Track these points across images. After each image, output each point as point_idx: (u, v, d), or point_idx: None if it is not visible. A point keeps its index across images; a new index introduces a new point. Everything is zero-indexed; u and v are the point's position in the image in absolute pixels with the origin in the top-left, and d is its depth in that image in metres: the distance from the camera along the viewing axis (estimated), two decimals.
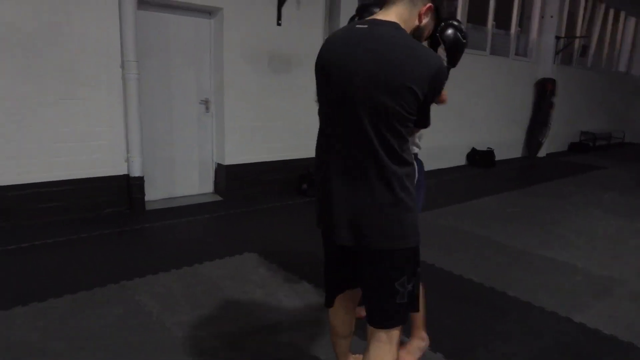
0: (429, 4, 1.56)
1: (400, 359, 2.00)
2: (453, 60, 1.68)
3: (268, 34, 5.19)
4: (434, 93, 1.47)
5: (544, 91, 9.19)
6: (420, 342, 2.33)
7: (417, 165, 2.11)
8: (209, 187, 5.25)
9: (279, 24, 5.26)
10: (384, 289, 1.57)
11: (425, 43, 1.65)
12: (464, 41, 1.67)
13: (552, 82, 9.19)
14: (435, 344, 2.43)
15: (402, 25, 1.51)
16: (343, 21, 5.57)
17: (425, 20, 1.57)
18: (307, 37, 5.52)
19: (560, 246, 4.12)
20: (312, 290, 3.07)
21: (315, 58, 1.58)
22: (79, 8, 3.91)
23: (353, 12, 5.67)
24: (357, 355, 2.09)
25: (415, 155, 2.13)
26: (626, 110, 12.91)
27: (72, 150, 4.06)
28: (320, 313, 2.74)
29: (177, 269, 3.29)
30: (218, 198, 5.15)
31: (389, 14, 1.51)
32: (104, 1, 4.04)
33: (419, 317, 2.25)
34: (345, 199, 1.52)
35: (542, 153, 9.49)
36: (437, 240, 4.10)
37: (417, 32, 1.59)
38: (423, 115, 1.51)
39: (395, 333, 1.62)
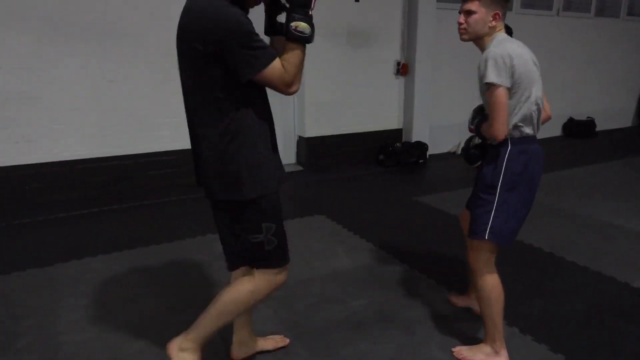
0: None
1: (456, 353, 2.17)
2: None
3: (346, 11, 5.40)
4: (226, 40, 1.49)
5: None
6: (488, 349, 2.10)
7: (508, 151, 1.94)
8: (291, 158, 5.69)
9: (357, 1, 5.43)
10: (227, 232, 1.80)
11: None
12: None
13: None
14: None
15: None
16: None
17: None
18: (385, 12, 5.65)
19: None
20: (366, 246, 3.34)
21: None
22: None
23: None
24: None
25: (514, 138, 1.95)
26: None
27: (171, 126, 4.69)
28: (370, 263, 3.01)
29: None
30: (299, 168, 5.57)
31: None
32: None
33: (492, 327, 2.05)
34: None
35: None
36: None
37: None
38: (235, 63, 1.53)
39: (256, 274, 1.78)
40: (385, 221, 3.91)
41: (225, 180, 1.66)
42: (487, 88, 1.87)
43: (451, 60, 6.03)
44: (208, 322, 1.82)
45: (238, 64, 1.53)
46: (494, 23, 1.96)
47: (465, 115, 2.28)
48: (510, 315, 2.37)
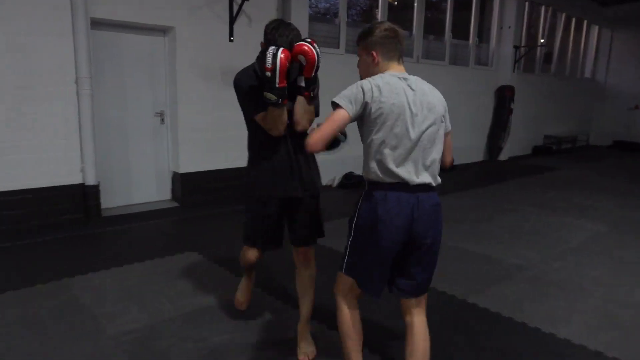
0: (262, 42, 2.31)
1: None
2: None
3: (220, 50, 5.53)
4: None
5: (503, 98, 9.58)
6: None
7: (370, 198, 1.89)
8: (166, 194, 5.56)
9: (231, 40, 5.60)
10: None
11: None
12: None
13: (510, 89, 9.58)
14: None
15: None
16: None
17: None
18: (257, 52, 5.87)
19: (483, 240, 4.44)
20: (235, 281, 3.36)
21: None
22: (33, 29, 4.23)
23: (304, 29, 6.09)
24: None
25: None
26: (591, 114, 13.34)
27: (28, 162, 4.35)
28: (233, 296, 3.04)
29: (118, 267, 3.58)
30: (174, 204, 5.45)
31: None
32: (58, 23, 4.37)
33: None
34: None
35: (503, 157, 9.85)
36: None
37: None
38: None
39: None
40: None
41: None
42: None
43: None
44: None
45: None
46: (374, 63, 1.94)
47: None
48: None
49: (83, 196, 4.70)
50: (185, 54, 5.26)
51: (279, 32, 2.23)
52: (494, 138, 9.69)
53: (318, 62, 2.17)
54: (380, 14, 7.51)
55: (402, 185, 1.84)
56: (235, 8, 5.49)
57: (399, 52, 1.96)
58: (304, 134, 2.30)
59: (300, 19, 6.06)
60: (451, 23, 8.73)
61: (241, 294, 2.89)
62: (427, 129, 1.86)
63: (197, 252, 3.94)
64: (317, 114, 2.38)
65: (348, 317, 2.02)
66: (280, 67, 2.06)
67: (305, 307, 2.50)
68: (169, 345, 2.54)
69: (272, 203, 2.39)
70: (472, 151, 9.54)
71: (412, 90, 1.87)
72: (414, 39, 8.05)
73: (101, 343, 2.55)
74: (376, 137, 1.84)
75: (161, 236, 4.50)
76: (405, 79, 1.90)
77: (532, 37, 11.08)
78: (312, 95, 2.25)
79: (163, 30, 5.26)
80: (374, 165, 1.87)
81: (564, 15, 11.71)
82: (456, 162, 8.65)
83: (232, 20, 5.55)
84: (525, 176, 8.07)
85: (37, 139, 4.38)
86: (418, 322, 2.00)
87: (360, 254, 1.94)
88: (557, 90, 11.75)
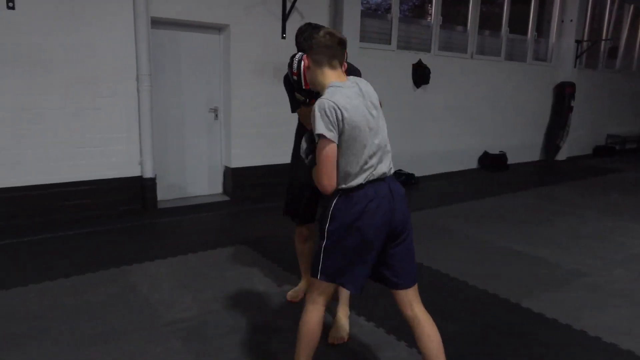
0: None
1: None
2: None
3: (273, 47, 5.60)
4: None
5: (563, 95, 9.14)
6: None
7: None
8: (218, 188, 5.71)
9: (283, 38, 5.66)
10: None
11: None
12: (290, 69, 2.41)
13: (571, 85, 9.13)
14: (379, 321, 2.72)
15: None
16: (346, 34, 5.92)
17: None
18: None
19: (539, 243, 4.26)
20: (283, 274, 3.42)
21: None
22: (98, 28, 4.45)
23: (356, 25, 6.06)
24: None
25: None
26: None
27: (91, 154, 4.59)
28: (285, 290, 3.08)
29: (173, 257, 3.72)
30: (225, 198, 5.58)
31: None
32: (121, 22, 4.58)
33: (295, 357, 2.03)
34: None
35: (562, 156, 9.41)
36: (424, 237, 4.34)
37: None
38: None
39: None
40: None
41: None
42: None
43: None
44: None
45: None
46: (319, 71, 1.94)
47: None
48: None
49: (141, 188, 4.91)
50: (239, 51, 5.37)
51: (304, 36, 2.49)
52: (552, 137, 9.27)
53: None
54: (433, 9, 7.35)
55: (376, 181, 1.89)
56: (289, 5, 5.54)
57: (329, 57, 1.91)
58: None
59: (352, 15, 6.04)
60: (508, 17, 8.42)
61: (294, 292, 3.04)
62: (381, 126, 1.94)
63: (247, 245, 4.03)
64: None
65: (313, 320, 1.97)
66: (304, 72, 2.27)
67: (343, 292, 2.64)
68: (219, 335, 2.61)
69: (305, 188, 2.68)
70: (527, 150, 9.18)
71: (362, 95, 1.90)
72: (468, 34, 7.82)
73: (158, 329, 2.65)
74: (352, 150, 1.84)
75: (212, 229, 4.63)
76: (350, 87, 1.89)
77: (595, 30, 10.51)
78: None
79: (218, 28, 5.39)
80: (353, 174, 1.85)
81: (632, 7, 11.02)
82: (510, 161, 8.37)
83: (285, 17, 5.61)
84: (585, 177, 7.68)
85: (100, 132, 4.61)
86: (420, 311, 1.99)
87: (337, 256, 1.91)
88: (623, 87, 11.08)
